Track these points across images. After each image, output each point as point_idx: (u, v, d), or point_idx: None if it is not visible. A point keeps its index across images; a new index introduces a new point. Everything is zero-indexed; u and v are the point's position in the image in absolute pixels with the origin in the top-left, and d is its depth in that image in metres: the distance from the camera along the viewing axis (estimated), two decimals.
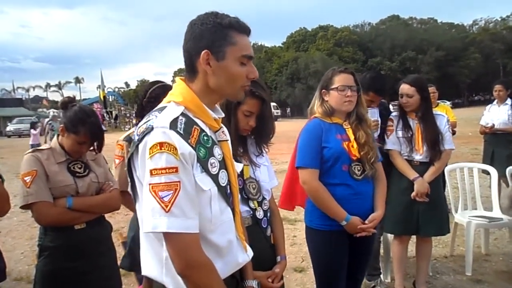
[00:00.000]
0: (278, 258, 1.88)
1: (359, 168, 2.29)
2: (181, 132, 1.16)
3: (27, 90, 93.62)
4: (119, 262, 2.46)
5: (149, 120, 1.18)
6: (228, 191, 1.31)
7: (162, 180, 1.10)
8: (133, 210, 2.64)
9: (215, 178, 1.23)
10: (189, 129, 1.19)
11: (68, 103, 2.17)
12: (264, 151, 1.93)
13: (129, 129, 5.20)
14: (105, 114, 36.86)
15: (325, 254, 2.36)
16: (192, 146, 1.17)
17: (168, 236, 1.13)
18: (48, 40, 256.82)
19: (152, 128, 1.14)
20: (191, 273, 1.15)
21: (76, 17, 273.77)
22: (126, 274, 3.49)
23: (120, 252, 2.72)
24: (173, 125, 1.15)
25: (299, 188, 2.53)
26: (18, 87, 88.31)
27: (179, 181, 1.12)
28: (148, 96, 2.36)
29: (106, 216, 2.35)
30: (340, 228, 2.27)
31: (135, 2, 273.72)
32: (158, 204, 1.10)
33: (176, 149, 1.12)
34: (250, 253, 1.44)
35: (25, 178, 2.00)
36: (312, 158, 2.30)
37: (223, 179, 1.27)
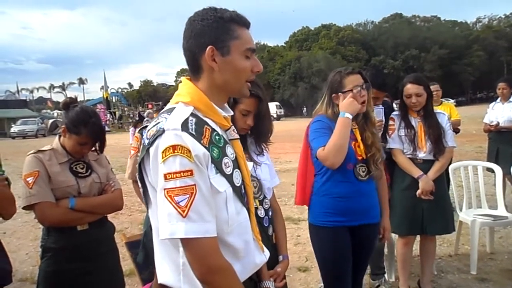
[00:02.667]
0: (280, 258, 1.88)
1: (363, 169, 2.30)
2: (193, 133, 1.12)
3: (31, 92, 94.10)
4: (122, 263, 2.46)
5: (159, 123, 1.14)
6: (243, 191, 1.27)
7: (177, 185, 1.07)
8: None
9: (229, 178, 1.20)
10: (200, 129, 1.15)
11: (70, 103, 2.17)
12: (264, 150, 1.93)
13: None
14: (108, 115, 37.03)
15: (330, 251, 2.37)
16: (205, 147, 1.13)
17: (186, 242, 1.09)
18: (50, 41, 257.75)
19: (163, 131, 1.11)
20: (213, 279, 1.12)
21: (77, 18, 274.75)
22: (130, 274, 3.50)
23: (123, 252, 2.73)
24: (185, 126, 1.12)
25: (311, 183, 2.52)
26: (22, 89, 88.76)
27: (194, 184, 1.08)
28: None
29: (110, 216, 2.35)
30: (343, 224, 2.31)
31: (135, 3, 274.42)
32: (175, 210, 1.07)
33: (189, 151, 1.08)
34: (267, 253, 1.42)
35: (27, 179, 2.00)
36: (326, 140, 2.22)
37: (237, 179, 1.24)
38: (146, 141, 1.15)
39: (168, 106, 1.25)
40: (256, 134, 1.87)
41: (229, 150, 1.24)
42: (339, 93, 2.32)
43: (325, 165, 2.27)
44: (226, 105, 1.34)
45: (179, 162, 1.07)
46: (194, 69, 1.25)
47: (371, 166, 2.30)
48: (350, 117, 2.20)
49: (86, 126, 2.08)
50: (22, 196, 2.02)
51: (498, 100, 5.52)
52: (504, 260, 3.92)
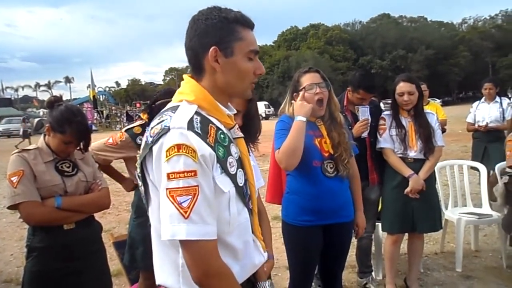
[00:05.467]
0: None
1: (331, 166, 2.32)
2: (199, 132, 1.10)
3: (16, 90, 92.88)
4: (109, 263, 2.44)
5: (163, 121, 1.12)
6: (245, 190, 1.25)
7: (180, 185, 1.05)
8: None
9: (233, 178, 1.19)
10: (205, 128, 1.13)
11: (54, 102, 2.14)
12: (251, 151, 1.93)
13: (120, 128, 5.15)
14: (96, 114, 36.63)
15: (300, 249, 2.42)
16: (211, 146, 1.11)
17: (186, 244, 1.07)
18: (35, 39, 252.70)
19: (169, 129, 1.09)
20: (209, 282, 1.10)
21: (62, 16, 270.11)
22: (117, 274, 3.47)
23: (111, 252, 2.70)
24: (190, 125, 1.10)
25: (283, 181, 2.56)
26: (6, 87, 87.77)
27: (197, 185, 1.06)
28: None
29: (97, 216, 2.33)
30: (315, 223, 2.32)
31: (122, 1, 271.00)
32: (177, 210, 1.05)
33: (194, 151, 1.06)
34: (266, 253, 1.41)
35: (12, 178, 1.97)
36: (283, 141, 2.27)
37: (240, 179, 1.22)
38: (150, 139, 1.12)
39: (171, 104, 1.23)
40: (245, 134, 1.88)
41: (233, 149, 1.23)
42: (296, 93, 2.37)
43: (281, 167, 2.35)
44: (229, 103, 1.33)
45: (183, 162, 1.05)
46: (196, 69, 1.24)
47: (339, 165, 2.31)
48: (304, 119, 2.22)
49: (70, 125, 2.06)
50: (7, 195, 1.99)
51: (483, 100, 5.54)
52: (489, 258, 3.99)
